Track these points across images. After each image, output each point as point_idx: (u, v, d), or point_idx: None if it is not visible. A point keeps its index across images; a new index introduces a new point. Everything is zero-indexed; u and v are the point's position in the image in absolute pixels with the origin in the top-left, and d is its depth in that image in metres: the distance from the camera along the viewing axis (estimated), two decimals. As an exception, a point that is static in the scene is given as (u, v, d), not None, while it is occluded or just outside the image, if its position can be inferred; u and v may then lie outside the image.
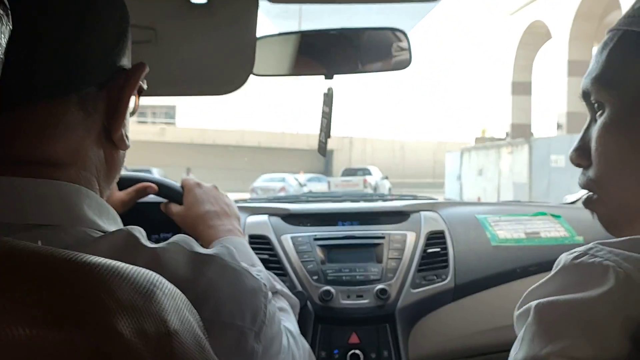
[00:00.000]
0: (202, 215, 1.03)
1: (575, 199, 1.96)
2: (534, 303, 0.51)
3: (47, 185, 0.53)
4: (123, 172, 0.68)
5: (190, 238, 0.61)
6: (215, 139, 31.90)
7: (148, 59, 1.04)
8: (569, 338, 0.47)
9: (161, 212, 1.14)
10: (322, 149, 1.22)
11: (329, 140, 1.18)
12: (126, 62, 0.62)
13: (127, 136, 0.62)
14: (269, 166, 28.50)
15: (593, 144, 0.60)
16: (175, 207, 1.09)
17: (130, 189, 1.07)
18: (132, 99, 0.63)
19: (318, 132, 1.18)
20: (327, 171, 30.28)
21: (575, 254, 0.53)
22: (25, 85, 0.51)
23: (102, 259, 0.34)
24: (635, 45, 0.55)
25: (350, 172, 25.84)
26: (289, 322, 0.86)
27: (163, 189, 1.13)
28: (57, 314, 0.28)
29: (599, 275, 0.49)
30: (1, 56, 0.39)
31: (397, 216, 1.60)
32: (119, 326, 0.29)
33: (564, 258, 0.55)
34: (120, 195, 1.06)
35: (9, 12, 0.40)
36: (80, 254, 0.34)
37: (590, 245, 0.54)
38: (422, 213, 1.61)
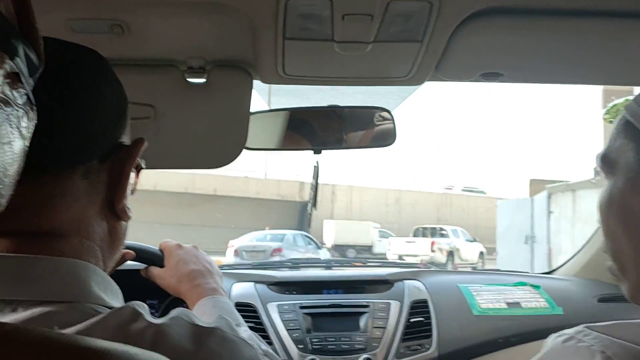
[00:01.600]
0: (187, 275, 1.03)
1: (551, 269, 2.01)
2: None
3: (55, 263, 0.55)
4: None
5: (190, 311, 0.64)
6: (157, 184, 22.72)
7: (147, 134, 1.09)
8: None
9: (142, 278, 1.15)
10: (308, 219, 1.28)
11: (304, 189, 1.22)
12: (126, 138, 0.66)
13: (128, 208, 0.66)
14: (226, 220, 23.30)
15: (598, 218, 0.64)
16: (156, 270, 1.10)
17: None
18: (132, 177, 0.67)
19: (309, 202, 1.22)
20: (301, 226, 22.58)
21: (564, 337, 0.55)
22: (35, 158, 0.55)
23: (112, 344, 0.37)
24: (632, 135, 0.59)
25: (421, 232, 20.95)
26: None
27: (142, 254, 1.13)
28: None
29: (586, 359, 0.51)
30: (27, 145, 0.43)
31: (381, 284, 1.63)
32: None
33: (552, 340, 0.57)
34: None
35: (35, 107, 0.44)
36: (91, 339, 0.36)
37: (578, 328, 0.55)
38: (406, 282, 1.64)
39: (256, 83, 1.14)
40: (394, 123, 1.21)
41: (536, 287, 1.66)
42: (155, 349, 0.43)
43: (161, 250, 1.12)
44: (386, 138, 1.22)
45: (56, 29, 0.91)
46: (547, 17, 0.90)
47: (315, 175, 1.29)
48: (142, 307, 0.59)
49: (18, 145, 0.41)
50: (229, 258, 15.30)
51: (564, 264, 1.97)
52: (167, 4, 0.88)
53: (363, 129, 1.24)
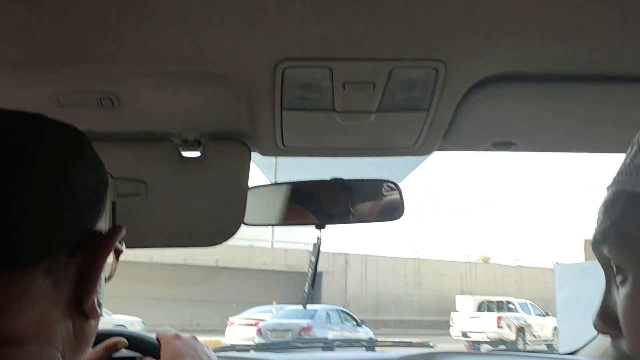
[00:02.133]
0: None
1: (576, 348, 1.88)
2: None
3: None
4: None
5: None
6: (153, 255, 20.73)
7: (136, 211, 1.03)
8: None
9: None
10: (305, 300, 1.21)
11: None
12: (102, 225, 0.58)
13: (99, 304, 0.57)
14: (229, 293, 21.94)
15: (621, 316, 0.55)
16: None
17: (98, 347, 1.00)
18: (110, 259, 0.59)
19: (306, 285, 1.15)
20: (312, 301, 19.07)
21: None
22: None
23: None
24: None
25: (486, 306, 18.84)
26: None
27: (137, 343, 1.06)
28: None
29: None
30: None
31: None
32: None
33: None
34: (89, 356, 0.99)
35: None
36: None
37: None
38: None
39: (259, 157, 1.10)
40: (401, 196, 1.14)
41: (559, 369, 1.54)
42: None
43: (158, 340, 1.04)
44: (393, 212, 1.15)
45: (41, 103, 0.87)
46: (559, 83, 0.85)
47: (316, 253, 1.22)
48: None
49: None
50: (233, 336, 14.18)
51: (590, 341, 1.84)
52: (159, 75, 0.83)
53: (369, 202, 1.17)
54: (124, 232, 0.59)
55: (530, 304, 18.53)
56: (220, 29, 0.71)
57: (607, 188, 0.57)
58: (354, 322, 15.21)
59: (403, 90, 0.85)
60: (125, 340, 1.04)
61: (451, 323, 17.88)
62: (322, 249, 1.19)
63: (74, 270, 0.54)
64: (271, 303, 17.97)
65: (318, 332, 13.94)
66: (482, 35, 0.73)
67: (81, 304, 0.54)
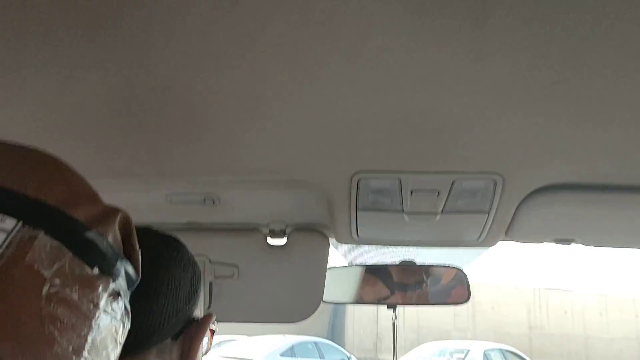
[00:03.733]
0: None
1: None
2: None
3: None
4: None
5: None
6: None
7: (230, 291, 1.18)
8: None
9: None
10: None
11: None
12: (197, 312, 0.72)
13: None
14: None
15: None
16: None
17: None
18: (206, 340, 0.72)
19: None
20: (331, 337, 15.98)
21: None
22: None
23: None
24: None
25: None
26: None
27: None
28: None
29: None
30: (120, 348, 0.49)
31: None
32: None
33: None
34: None
35: (130, 315, 0.51)
36: None
37: None
38: None
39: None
40: (467, 282, 1.23)
41: None
42: None
43: None
44: (460, 296, 1.23)
45: (156, 202, 1.04)
46: (608, 191, 0.92)
47: (394, 331, 1.32)
48: None
49: (113, 351, 0.48)
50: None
51: None
52: (253, 182, 0.99)
53: (437, 286, 1.26)
54: (214, 317, 0.73)
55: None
56: (304, 146, 0.85)
57: None
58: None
59: (465, 196, 0.95)
60: None
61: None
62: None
63: (177, 350, 0.68)
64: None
65: None
66: (534, 152, 0.83)
67: None
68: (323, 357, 12.05)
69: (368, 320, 18.18)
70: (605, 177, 0.89)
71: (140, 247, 0.67)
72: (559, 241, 1.09)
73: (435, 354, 11.67)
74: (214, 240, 1.15)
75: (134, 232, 0.51)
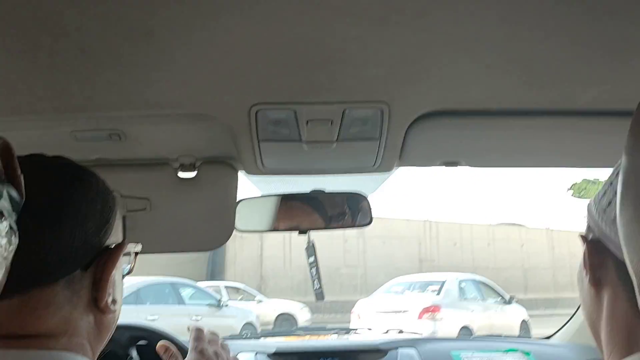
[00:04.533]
0: None
1: (551, 334, 2.05)
2: None
3: (44, 356, 0.63)
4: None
5: None
6: None
7: (143, 224, 1.23)
8: None
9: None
10: (319, 294, 1.40)
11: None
12: (113, 239, 0.71)
13: (114, 301, 0.71)
14: None
15: None
16: None
17: None
18: (128, 260, 0.75)
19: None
20: (211, 277, 15.30)
21: None
22: (20, 277, 0.61)
23: None
24: None
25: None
26: None
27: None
28: None
29: None
30: (8, 266, 0.53)
31: (374, 353, 1.70)
32: None
33: None
34: None
35: (17, 233, 0.55)
36: None
37: None
38: (400, 350, 1.71)
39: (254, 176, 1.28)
40: (369, 206, 1.33)
41: (526, 353, 1.71)
42: None
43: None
44: (363, 219, 1.34)
45: (61, 140, 1.06)
46: (488, 116, 1.02)
47: (313, 253, 1.41)
48: None
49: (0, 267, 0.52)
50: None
51: (562, 327, 2.01)
52: (158, 116, 1.02)
53: (343, 211, 1.36)
54: (126, 246, 0.73)
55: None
56: (201, 80, 0.89)
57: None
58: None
59: (356, 124, 1.02)
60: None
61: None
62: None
63: (88, 280, 0.68)
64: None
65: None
66: (413, 80, 0.91)
67: (97, 304, 0.69)
68: (182, 302, 10.51)
69: (252, 262, 17.14)
70: (480, 103, 0.99)
71: (44, 177, 0.67)
72: (448, 164, 1.19)
73: (405, 288, 11.59)
74: (124, 175, 1.19)
75: (15, 157, 0.55)
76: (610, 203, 0.63)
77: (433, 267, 17.05)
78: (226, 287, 12.79)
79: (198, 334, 1.01)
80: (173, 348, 0.99)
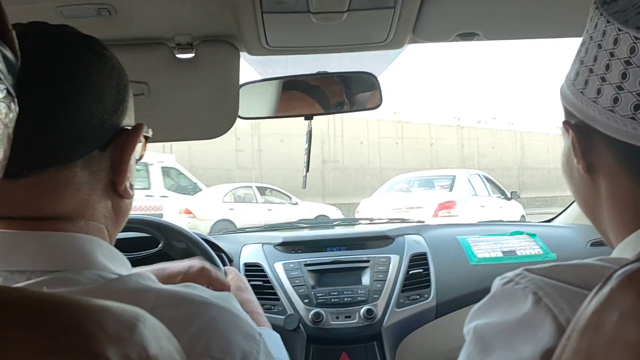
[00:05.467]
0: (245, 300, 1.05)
1: (552, 217, 2.06)
2: (473, 324, 0.61)
3: (62, 238, 0.61)
4: None
5: (198, 286, 0.66)
6: None
7: (141, 110, 1.16)
8: (497, 355, 0.56)
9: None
10: (304, 182, 1.36)
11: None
12: (127, 121, 0.69)
13: (131, 185, 0.70)
14: None
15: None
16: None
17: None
18: (139, 147, 0.71)
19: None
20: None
21: (504, 281, 0.61)
22: (36, 155, 0.60)
23: (93, 299, 0.42)
24: None
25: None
26: None
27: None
28: (51, 345, 0.34)
29: (520, 300, 0.57)
30: (10, 135, 0.49)
31: (382, 240, 1.70)
32: (107, 353, 0.36)
33: (496, 283, 0.62)
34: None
35: (16, 99, 0.50)
36: (76, 296, 0.41)
37: (517, 271, 0.60)
38: (407, 237, 1.71)
39: (256, 59, 1.20)
40: (379, 87, 1.26)
41: (532, 235, 1.72)
42: (155, 312, 0.46)
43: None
44: (373, 102, 1.27)
45: (46, 16, 0.97)
46: None
47: (309, 140, 1.36)
48: (148, 276, 0.63)
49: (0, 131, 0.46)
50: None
51: (563, 211, 2.02)
52: None
53: (350, 94, 1.29)
54: (144, 128, 0.70)
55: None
56: None
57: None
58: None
59: None
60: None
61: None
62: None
63: (107, 162, 0.66)
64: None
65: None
66: None
67: (115, 187, 0.67)
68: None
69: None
70: None
71: (55, 46, 0.63)
72: (464, 36, 1.11)
73: (408, 185, 11.55)
74: (118, 56, 1.10)
75: (3, 9, 0.47)
76: (587, 82, 0.61)
77: (337, 168, 16.52)
78: (257, 187, 12.79)
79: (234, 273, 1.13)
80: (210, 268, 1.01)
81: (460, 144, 20.60)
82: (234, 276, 1.12)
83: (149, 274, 0.65)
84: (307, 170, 1.32)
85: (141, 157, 0.74)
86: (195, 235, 1.38)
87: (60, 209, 0.62)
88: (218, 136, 1.22)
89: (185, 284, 0.66)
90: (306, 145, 1.31)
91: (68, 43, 0.64)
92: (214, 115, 1.19)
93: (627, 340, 0.38)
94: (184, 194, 12.18)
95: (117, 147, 0.66)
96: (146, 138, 0.73)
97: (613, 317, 0.38)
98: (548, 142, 21.90)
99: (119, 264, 0.65)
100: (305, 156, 1.31)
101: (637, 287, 0.38)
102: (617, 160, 0.61)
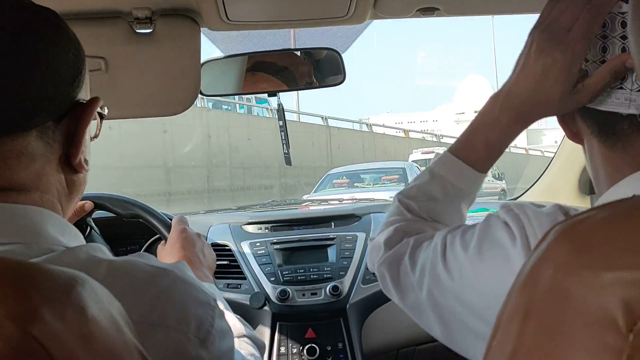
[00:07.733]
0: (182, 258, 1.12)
1: (519, 194, 2.10)
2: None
3: (11, 209, 0.60)
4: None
5: (151, 255, 0.66)
6: None
7: (100, 86, 1.14)
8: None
9: (124, 224, 1.25)
10: (287, 159, 1.37)
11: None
12: (83, 95, 0.68)
13: (86, 160, 0.69)
14: None
15: None
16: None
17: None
18: (95, 124, 0.71)
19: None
20: None
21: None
22: None
23: (32, 262, 0.41)
24: None
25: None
26: None
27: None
28: None
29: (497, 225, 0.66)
30: None
31: (349, 218, 1.71)
32: (41, 312, 0.36)
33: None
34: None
35: None
36: (17, 259, 0.41)
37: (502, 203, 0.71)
38: (373, 214, 1.72)
39: (219, 35, 1.18)
40: (342, 63, 1.26)
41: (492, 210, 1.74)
42: (106, 282, 0.45)
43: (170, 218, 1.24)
44: (335, 78, 1.27)
45: None
46: None
47: (282, 116, 1.37)
48: (98, 247, 0.62)
49: None
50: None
51: (529, 188, 2.05)
52: None
53: (313, 70, 1.29)
54: (101, 102, 0.70)
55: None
56: None
57: None
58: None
59: None
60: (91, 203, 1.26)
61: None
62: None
63: (61, 134, 0.65)
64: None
65: None
66: None
67: (70, 161, 0.66)
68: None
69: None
70: None
71: (10, 20, 0.61)
72: (424, 11, 1.11)
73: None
74: (75, 30, 1.08)
75: None
76: None
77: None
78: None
79: (181, 218, 1.24)
80: None
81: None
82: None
83: (100, 245, 0.64)
84: (288, 147, 1.33)
85: (96, 135, 0.74)
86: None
87: (14, 179, 0.62)
88: (179, 113, 1.21)
89: (137, 253, 0.66)
90: (280, 123, 1.32)
91: (24, 13, 0.63)
92: (174, 92, 1.18)
93: (561, 293, 0.39)
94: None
95: (73, 119, 0.66)
96: (102, 116, 0.73)
97: (549, 271, 0.39)
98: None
99: (70, 237, 0.65)
100: (282, 133, 1.32)
101: (572, 240, 0.39)
102: (586, 122, 0.68)
